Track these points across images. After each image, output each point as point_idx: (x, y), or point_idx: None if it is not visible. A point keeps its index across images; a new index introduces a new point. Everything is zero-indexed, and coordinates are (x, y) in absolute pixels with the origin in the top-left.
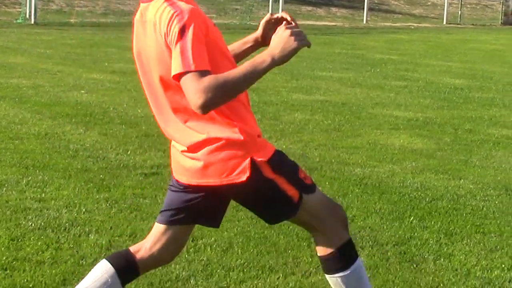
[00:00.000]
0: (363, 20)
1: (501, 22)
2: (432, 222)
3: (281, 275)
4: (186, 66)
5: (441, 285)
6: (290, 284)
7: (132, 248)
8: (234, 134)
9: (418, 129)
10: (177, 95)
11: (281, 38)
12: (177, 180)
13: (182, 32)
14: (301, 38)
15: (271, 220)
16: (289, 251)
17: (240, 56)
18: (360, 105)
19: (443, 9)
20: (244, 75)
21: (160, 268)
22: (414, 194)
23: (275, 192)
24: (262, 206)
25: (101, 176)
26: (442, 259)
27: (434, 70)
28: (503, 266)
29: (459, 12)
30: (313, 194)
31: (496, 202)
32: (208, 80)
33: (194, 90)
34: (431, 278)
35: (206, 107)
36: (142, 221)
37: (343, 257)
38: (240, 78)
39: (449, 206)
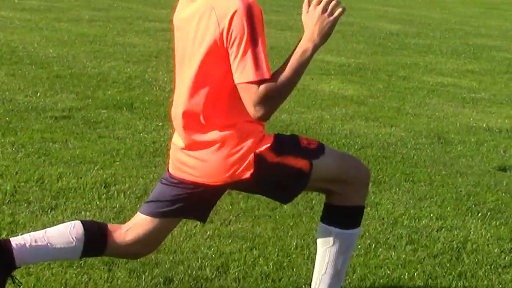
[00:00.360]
0: None
1: None
2: None
3: (198, 223)
4: (259, 75)
5: (367, 234)
6: (208, 233)
7: (110, 225)
8: (236, 131)
9: (350, 75)
10: (202, 88)
11: (314, 19)
12: (171, 174)
13: (254, 36)
14: (333, 10)
15: (286, 199)
16: None
17: None
18: (290, 49)
19: None
20: (294, 72)
21: (69, 215)
22: (342, 141)
23: (284, 172)
24: (273, 190)
25: (7, 119)
26: (368, 208)
27: (370, 14)
28: (431, 215)
29: None
30: (324, 155)
31: (428, 151)
32: (270, 89)
33: (256, 100)
34: None
35: (267, 116)
36: (51, 166)
37: (350, 217)
38: (292, 76)
39: (379, 154)
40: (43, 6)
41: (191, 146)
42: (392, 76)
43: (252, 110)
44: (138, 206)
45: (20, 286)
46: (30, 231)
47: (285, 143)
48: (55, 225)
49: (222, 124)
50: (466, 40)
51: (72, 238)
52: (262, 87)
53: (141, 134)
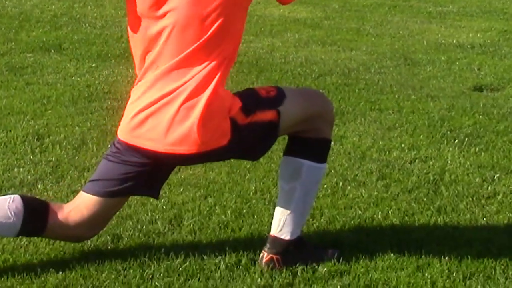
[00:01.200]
0: None
1: None
2: None
3: None
4: None
5: (332, 171)
6: None
7: (52, 204)
8: (213, 93)
9: None
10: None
11: None
12: (124, 142)
13: None
14: None
15: (257, 156)
16: None
17: None
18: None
19: None
20: None
21: (1, 173)
22: (298, 70)
23: (255, 130)
24: (246, 150)
25: None
26: (332, 143)
27: None
28: (402, 146)
29: None
30: (286, 99)
31: (394, 74)
32: None
33: None
34: None
35: None
36: None
37: (319, 149)
38: None
39: (339, 81)
40: None
41: (161, 109)
42: None
43: None
44: (76, 158)
45: None
46: None
47: (248, 100)
48: None
49: (199, 83)
50: None
51: (10, 213)
52: None
53: (73, 78)
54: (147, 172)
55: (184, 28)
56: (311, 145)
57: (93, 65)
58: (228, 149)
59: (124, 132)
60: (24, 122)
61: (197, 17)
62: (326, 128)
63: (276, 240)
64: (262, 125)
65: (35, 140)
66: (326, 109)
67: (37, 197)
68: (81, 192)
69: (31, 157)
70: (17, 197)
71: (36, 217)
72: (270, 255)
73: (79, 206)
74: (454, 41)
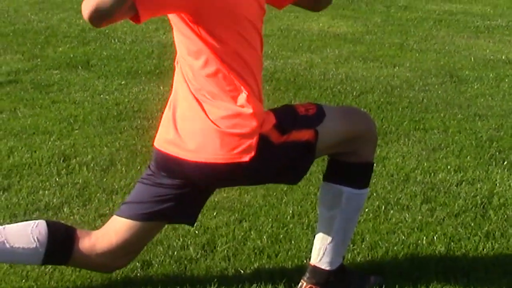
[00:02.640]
0: None
1: None
2: None
3: None
4: None
5: (374, 194)
6: None
7: (79, 231)
8: (241, 106)
9: (342, 9)
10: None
11: None
12: (160, 152)
13: None
14: None
15: (295, 179)
16: None
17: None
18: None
19: None
20: None
21: (25, 195)
22: (338, 87)
23: (290, 150)
24: (281, 172)
25: None
26: (375, 164)
27: None
28: (448, 167)
29: None
30: (326, 118)
31: (439, 92)
32: None
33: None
34: None
35: (91, 16)
36: None
37: (361, 175)
38: None
39: (382, 99)
40: None
41: (188, 117)
42: (390, 7)
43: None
44: (104, 180)
45: None
46: None
47: (284, 117)
48: (9, 208)
49: (224, 93)
50: None
51: (34, 239)
52: None
53: (102, 96)
54: (182, 195)
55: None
56: (352, 170)
57: (123, 82)
58: (255, 168)
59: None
60: (49, 142)
61: None
62: (368, 150)
63: (316, 269)
64: (298, 145)
65: (61, 161)
66: (368, 129)
67: (63, 221)
68: (113, 217)
69: (57, 179)
70: (41, 222)
71: (61, 244)
72: (309, 285)
73: (108, 231)
74: (503, 57)
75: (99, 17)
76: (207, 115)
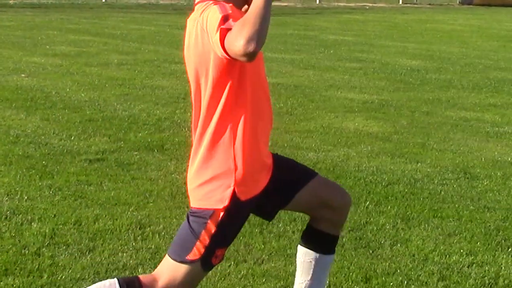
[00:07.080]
0: (316, 0)
1: (459, 2)
2: (389, 207)
3: (232, 263)
4: (226, 25)
5: (398, 271)
6: (242, 272)
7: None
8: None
9: (374, 112)
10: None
11: None
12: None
13: (225, 19)
14: None
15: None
16: (241, 238)
17: None
18: (313, 88)
19: None
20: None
21: (107, 256)
22: (369, 178)
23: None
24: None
25: (43, 162)
26: (398, 245)
27: (390, 51)
28: (461, 251)
29: None
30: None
31: (454, 186)
32: (239, 23)
33: (232, 38)
34: (387, 264)
35: (250, 45)
36: (87, 209)
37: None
38: (257, 10)
39: (406, 190)
40: (74, 52)
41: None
42: (415, 112)
43: (239, 48)
44: None
45: None
46: (70, 273)
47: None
48: (93, 266)
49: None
50: (487, 74)
51: None
52: (233, 26)
53: (173, 175)
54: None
55: None
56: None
57: None
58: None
59: None
60: (128, 212)
61: None
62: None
63: None
64: None
65: (138, 228)
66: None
67: None
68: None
69: (134, 244)
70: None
71: None
72: None
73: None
74: (509, 159)
75: (260, 39)
76: None
